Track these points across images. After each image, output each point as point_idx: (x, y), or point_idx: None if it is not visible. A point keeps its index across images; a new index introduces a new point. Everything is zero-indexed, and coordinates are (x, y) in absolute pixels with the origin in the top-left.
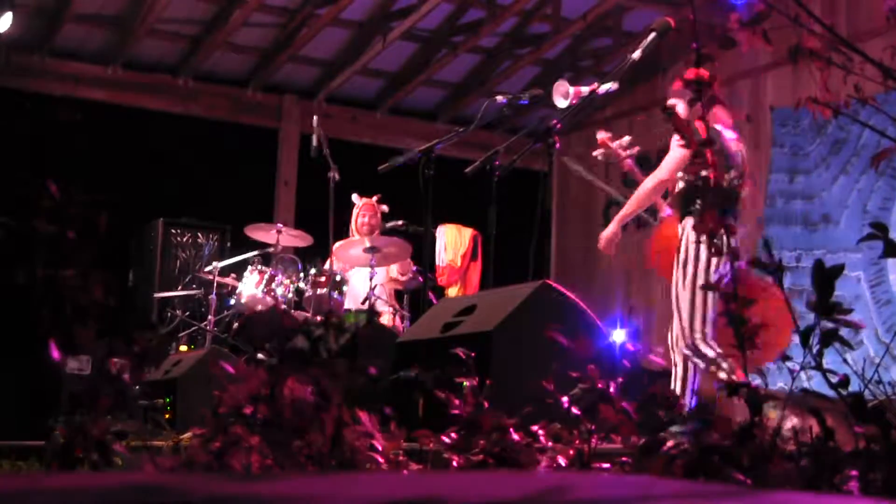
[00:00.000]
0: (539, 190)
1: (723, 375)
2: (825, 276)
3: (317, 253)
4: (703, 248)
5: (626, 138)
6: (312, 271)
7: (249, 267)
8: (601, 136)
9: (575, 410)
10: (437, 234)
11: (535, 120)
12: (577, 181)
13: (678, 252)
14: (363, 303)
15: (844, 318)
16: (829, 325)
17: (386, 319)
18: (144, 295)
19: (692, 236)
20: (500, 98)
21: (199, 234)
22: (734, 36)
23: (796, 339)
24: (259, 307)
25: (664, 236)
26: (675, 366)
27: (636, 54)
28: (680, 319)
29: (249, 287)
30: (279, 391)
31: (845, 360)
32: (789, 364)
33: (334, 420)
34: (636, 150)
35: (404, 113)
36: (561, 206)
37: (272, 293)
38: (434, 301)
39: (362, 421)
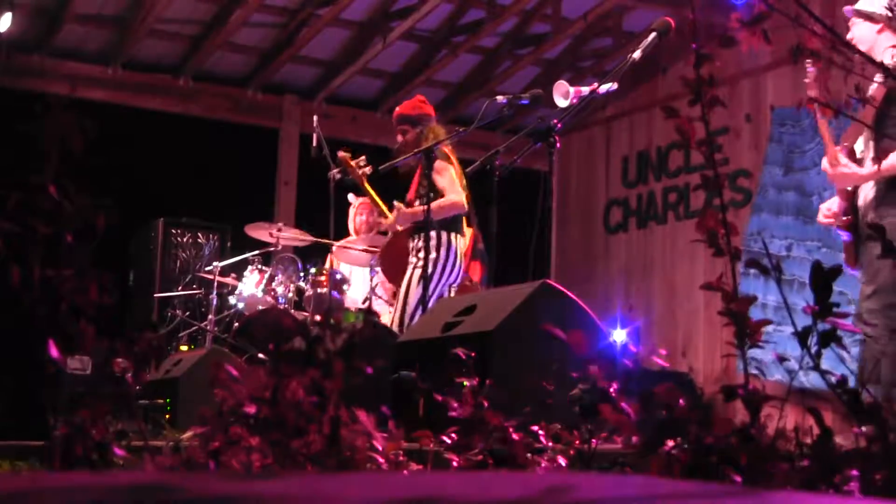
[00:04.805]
0: (539, 190)
1: None
2: (824, 277)
3: (317, 252)
4: (440, 260)
5: (363, 158)
6: (312, 271)
7: (249, 267)
8: (342, 154)
9: (575, 410)
10: None
11: (535, 120)
12: (578, 181)
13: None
14: (363, 303)
15: (839, 321)
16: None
17: (386, 319)
18: (144, 295)
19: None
20: (500, 98)
21: (199, 234)
22: (734, 36)
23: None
24: (259, 307)
25: (398, 247)
26: None
27: (636, 54)
28: (404, 308)
29: (250, 287)
30: (280, 391)
31: (842, 360)
32: (787, 364)
33: (331, 420)
34: (369, 168)
35: None
36: (561, 206)
37: (272, 293)
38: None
39: (362, 421)
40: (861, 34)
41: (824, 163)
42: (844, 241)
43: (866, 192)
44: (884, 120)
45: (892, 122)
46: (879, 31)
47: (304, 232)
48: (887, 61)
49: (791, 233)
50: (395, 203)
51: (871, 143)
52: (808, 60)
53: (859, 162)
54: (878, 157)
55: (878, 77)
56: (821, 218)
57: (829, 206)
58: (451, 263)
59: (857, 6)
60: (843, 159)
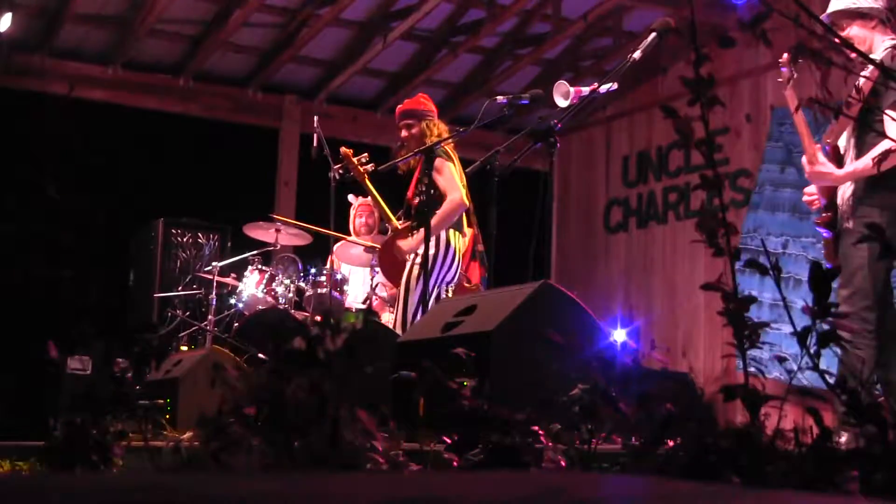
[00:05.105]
0: (539, 190)
1: None
2: (822, 277)
3: (317, 252)
4: (438, 257)
5: (366, 155)
6: (312, 271)
7: (250, 267)
8: (344, 150)
9: (575, 410)
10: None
11: (535, 120)
12: (578, 181)
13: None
14: (363, 303)
15: (839, 321)
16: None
17: (386, 319)
18: (144, 295)
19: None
20: (500, 98)
21: (199, 234)
22: (734, 36)
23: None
24: (259, 307)
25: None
26: None
27: (636, 54)
28: (404, 309)
29: (250, 287)
30: (280, 391)
31: (842, 361)
32: (787, 365)
33: (331, 420)
34: (371, 166)
35: None
36: (561, 206)
37: (273, 293)
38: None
39: (362, 421)
40: (853, 34)
41: (803, 160)
42: (825, 238)
43: (844, 191)
44: (870, 114)
45: (879, 117)
46: (874, 29)
47: (304, 224)
48: (883, 58)
49: (787, 229)
50: (397, 242)
51: (853, 140)
52: (780, 60)
53: (843, 157)
54: (862, 153)
55: (865, 72)
56: (804, 198)
57: (813, 187)
58: (449, 261)
59: (842, 7)
60: (822, 158)
